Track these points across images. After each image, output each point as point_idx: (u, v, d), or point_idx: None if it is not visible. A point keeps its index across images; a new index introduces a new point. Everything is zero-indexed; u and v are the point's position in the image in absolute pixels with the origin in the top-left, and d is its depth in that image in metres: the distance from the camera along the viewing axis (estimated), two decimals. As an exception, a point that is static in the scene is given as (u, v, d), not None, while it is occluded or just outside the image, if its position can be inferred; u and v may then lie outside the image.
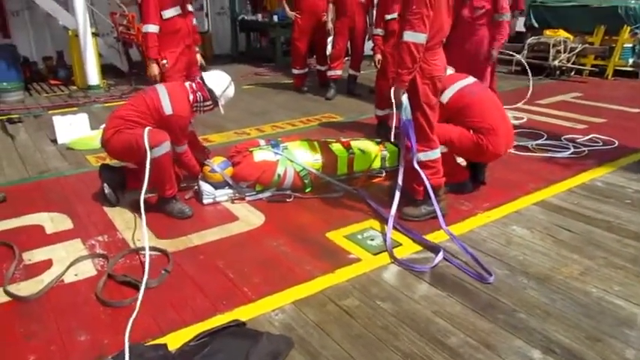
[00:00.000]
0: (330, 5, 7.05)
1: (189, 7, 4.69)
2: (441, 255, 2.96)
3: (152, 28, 4.51)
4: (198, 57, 4.73)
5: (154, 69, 4.66)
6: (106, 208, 3.66)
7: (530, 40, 8.72)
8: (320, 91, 7.64)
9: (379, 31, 5.35)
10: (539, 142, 5.07)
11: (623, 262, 2.91)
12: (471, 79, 3.83)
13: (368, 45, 7.53)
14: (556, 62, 8.21)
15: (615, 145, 5.01)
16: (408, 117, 3.23)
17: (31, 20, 9.13)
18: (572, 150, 4.83)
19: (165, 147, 3.38)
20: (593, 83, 8.23)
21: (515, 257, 3.00)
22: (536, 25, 9.24)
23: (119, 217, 3.53)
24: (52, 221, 3.48)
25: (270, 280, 2.78)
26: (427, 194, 3.34)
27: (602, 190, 3.97)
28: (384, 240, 3.17)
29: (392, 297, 2.64)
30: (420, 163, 3.34)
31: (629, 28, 8.42)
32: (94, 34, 7.68)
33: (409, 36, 3.03)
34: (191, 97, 3.62)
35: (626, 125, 5.79)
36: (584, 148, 4.88)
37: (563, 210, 3.61)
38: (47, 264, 2.95)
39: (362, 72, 7.70)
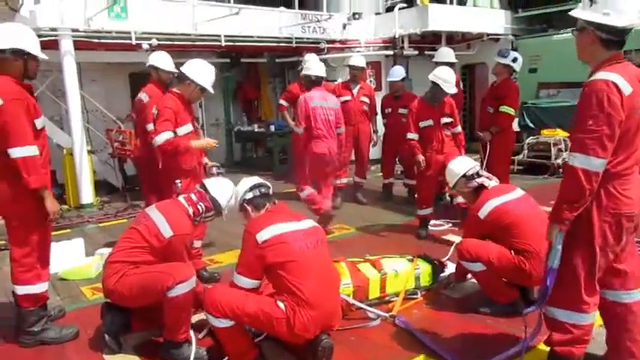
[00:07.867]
0: (334, 115, 6.98)
1: (196, 124, 4.45)
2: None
3: (169, 134, 4.04)
4: (215, 169, 4.38)
5: (205, 142, 4.40)
6: (107, 357, 3.09)
7: (529, 139, 8.79)
8: (325, 200, 7.35)
9: (413, 135, 5.31)
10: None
11: None
12: (518, 193, 3.52)
13: (373, 151, 7.48)
14: (559, 160, 8.17)
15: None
16: (554, 265, 2.47)
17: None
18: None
19: (191, 283, 2.95)
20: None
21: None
22: (531, 125, 9.34)
23: (123, 368, 2.98)
24: (44, 379, 2.90)
25: None
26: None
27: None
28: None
29: None
30: (552, 320, 2.58)
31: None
32: (90, 152, 7.47)
33: (579, 160, 2.29)
34: (191, 210, 3.29)
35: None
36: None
37: None
38: None
39: (367, 178, 7.51)
